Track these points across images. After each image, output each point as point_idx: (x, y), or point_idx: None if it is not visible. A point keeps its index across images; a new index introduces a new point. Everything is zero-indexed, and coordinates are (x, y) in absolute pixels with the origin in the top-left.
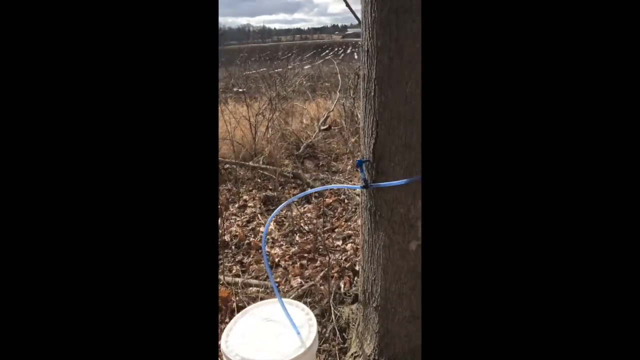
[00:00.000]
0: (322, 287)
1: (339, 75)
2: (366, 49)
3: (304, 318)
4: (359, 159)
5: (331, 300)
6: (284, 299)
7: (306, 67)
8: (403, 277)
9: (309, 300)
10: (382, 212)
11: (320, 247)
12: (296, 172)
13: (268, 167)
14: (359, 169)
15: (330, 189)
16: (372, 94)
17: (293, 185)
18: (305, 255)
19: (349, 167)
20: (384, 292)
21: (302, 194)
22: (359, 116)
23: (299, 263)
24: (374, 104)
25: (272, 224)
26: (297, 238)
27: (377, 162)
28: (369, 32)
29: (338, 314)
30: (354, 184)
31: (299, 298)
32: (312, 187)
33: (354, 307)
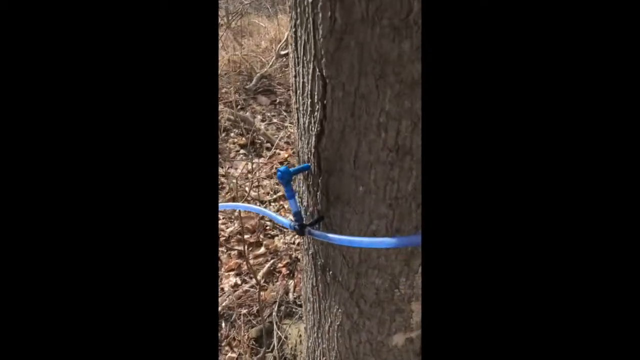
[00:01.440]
0: (263, 292)
1: None
2: None
3: None
4: (280, 166)
5: (275, 314)
6: None
7: None
8: None
9: (243, 312)
10: (339, 273)
11: (268, 224)
12: (243, 114)
13: None
14: (282, 185)
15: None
16: (316, 21)
17: (238, 132)
18: (247, 237)
19: None
20: None
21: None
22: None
23: (236, 250)
24: (318, 49)
25: None
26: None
27: (327, 177)
28: None
29: (282, 335)
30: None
31: (229, 310)
32: (261, 137)
33: (303, 326)
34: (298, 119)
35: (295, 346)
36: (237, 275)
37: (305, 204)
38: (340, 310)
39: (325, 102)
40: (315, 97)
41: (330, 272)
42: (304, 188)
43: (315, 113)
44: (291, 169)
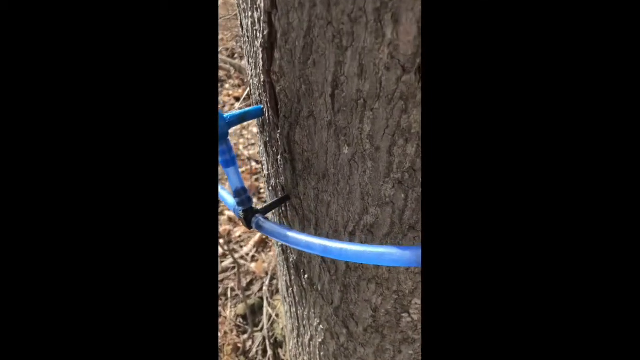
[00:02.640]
0: (254, 264)
1: None
2: None
3: None
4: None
5: (266, 288)
6: None
7: None
8: None
9: (230, 286)
10: (317, 280)
11: (262, 186)
12: (239, 63)
13: None
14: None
15: None
16: None
17: (234, 83)
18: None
19: None
20: None
21: None
22: None
23: (226, 215)
24: None
25: None
26: None
27: (288, 127)
28: None
29: (274, 313)
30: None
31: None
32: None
33: None
34: (241, 21)
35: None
36: (227, 243)
37: (265, 173)
38: (322, 327)
39: None
40: None
41: (306, 277)
42: (262, 148)
43: (259, 2)
44: (226, 115)
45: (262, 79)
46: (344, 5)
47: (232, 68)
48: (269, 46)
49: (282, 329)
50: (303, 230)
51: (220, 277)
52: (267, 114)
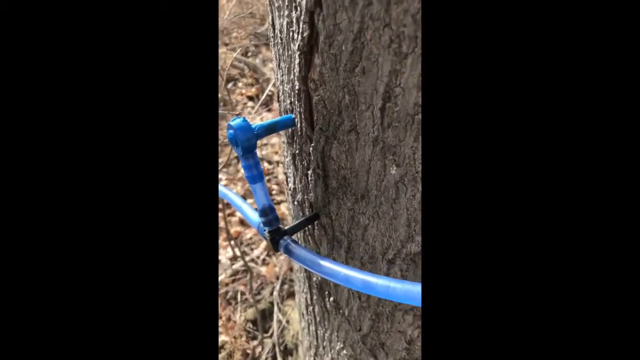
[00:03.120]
0: (264, 268)
1: None
2: None
3: None
4: (235, 119)
5: (276, 293)
6: None
7: None
8: None
9: (240, 288)
10: (344, 305)
11: (274, 187)
12: (254, 63)
13: None
14: (240, 158)
15: None
16: None
17: (247, 81)
18: (250, 200)
19: None
20: None
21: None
22: None
23: (234, 218)
24: None
25: None
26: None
27: (324, 140)
28: None
29: (284, 319)
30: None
31: (223, 286)
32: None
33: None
34: (273, 21)
35: (298, 334)
36: (238, 245)
37: (290, 187)
38: (345, 352)
39: None
40: None
41: (331, 299)
42: (288, 160)
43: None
44: (255, 125)
45: (296, 86)
46: (409, 4)
47: (246, 67)
48: (308, 50)
49: (293, 336)
50: (332, 251)
51: (230, 280)
52: (299, 125)
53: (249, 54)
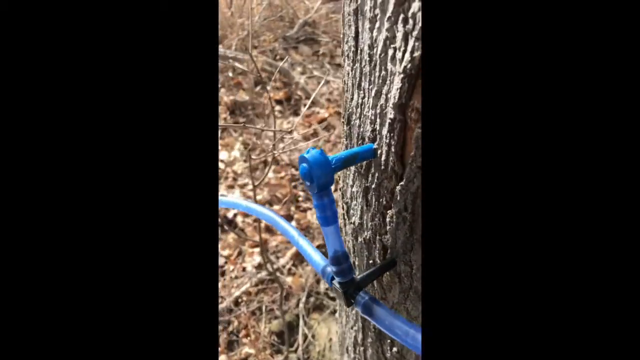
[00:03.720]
0: (290, 278)
1: None
2: None
3: None
4: (309, 150)
5: (302, 305)
6: None
7: None
8: None
9: (264, 298)
10: (409, 356)
11: (301, 194)
12: (283, 66)
13: (238, 56)
14: (313, 195)
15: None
16: None
17: (276, 85)
18: (276, 208)
19: None
20: None
21: (239, 205)
22: None
23: (263, 223)
24: None
25: (236, 148)
26: (270, 174)
27: (414, 174)
28: None
29: (310, 333)
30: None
31: (247, 295)
32: (300, 93)
33: (336, 324)
34: (357, 32)
35: (324, 350)
36: (261, 254)
37: (354, 221)
38: None
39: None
40: None
41: (394, 350)
42: (355, 191)
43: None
44: (332, 157)
45: (388, 114)
46: None
47: (275, 70)
48: (415, 74)
49: (319, 352)
50: (405, 301)
51: (255, 290)
52: (383, 158)
53: (277, 56)
